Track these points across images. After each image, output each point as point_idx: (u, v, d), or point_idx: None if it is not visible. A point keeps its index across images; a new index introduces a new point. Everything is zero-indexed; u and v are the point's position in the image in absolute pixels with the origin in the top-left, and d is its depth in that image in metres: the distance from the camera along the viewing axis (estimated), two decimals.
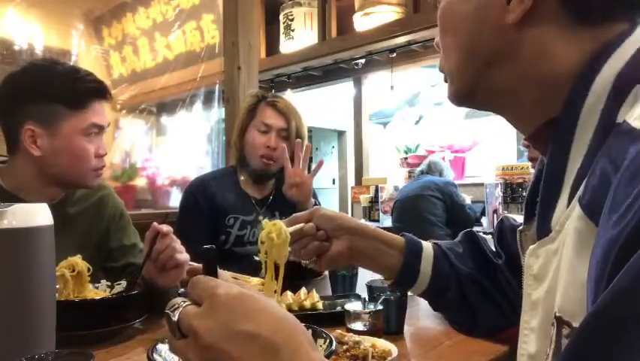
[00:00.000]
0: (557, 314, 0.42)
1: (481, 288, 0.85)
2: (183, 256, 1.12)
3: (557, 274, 0.44)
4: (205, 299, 0.43)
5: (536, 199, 0.54)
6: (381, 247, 0.87)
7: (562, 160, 0.46)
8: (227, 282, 0.45)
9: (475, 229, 3.21)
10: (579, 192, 0.42)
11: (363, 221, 4.21)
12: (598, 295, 0.34)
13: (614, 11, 0.48)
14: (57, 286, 0.92)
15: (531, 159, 1.38)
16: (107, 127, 1.18)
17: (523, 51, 0.50)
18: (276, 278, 0.79)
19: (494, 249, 0.91)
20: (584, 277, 0.38)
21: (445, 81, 0.61)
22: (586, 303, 0.37)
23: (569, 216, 0.43)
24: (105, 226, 1.29)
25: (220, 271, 0.49)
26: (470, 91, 0.57)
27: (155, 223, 1.10)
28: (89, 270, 0.97)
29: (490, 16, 0.51)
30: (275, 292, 0.78)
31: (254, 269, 1.39)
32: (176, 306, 0.43)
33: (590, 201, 0.40)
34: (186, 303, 0.44)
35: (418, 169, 3.60)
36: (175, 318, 0.43)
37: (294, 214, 0.90)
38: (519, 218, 0.86)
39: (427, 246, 0.88)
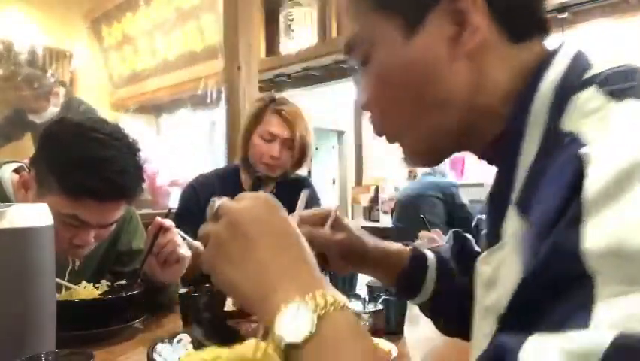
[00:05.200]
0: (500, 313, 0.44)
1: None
2: (185, 250, 1.12)
3: (505, 281, 0.45)
4: (248, 196, 0.50)
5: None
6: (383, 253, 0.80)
7: (509, 172, 0.48)
8: None
9: None
10: (515, 196, 0.45)
11: (362, 222, 4.22)
12: None
13: (537, 30, 0.51)
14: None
15: None
16: (104, 224, 1.05)
17: (472, 81, 0.50)
18: None
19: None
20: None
21: (390, 143, 0.58)
22: None
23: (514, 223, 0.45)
24: (116, 230, 1.28)
25: None
26: (430, 144, 0.55)
27: (157, 218, 1.10)
28: None
29: (439, 55, 0.50)
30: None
31: None
32: (219, 199, 0.50)
33: (523, 203, 0.43)
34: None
35: (422, 172, 3.60)
36: (217, 204, 0.49)
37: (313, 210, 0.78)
38: None
39: (432, 258, 0.82)
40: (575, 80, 0.45)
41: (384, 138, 0.59)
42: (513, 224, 0.44)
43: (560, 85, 0.46)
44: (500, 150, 0.50)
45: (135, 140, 1.06)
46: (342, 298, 0.41)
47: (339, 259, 0.76)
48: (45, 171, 0.99)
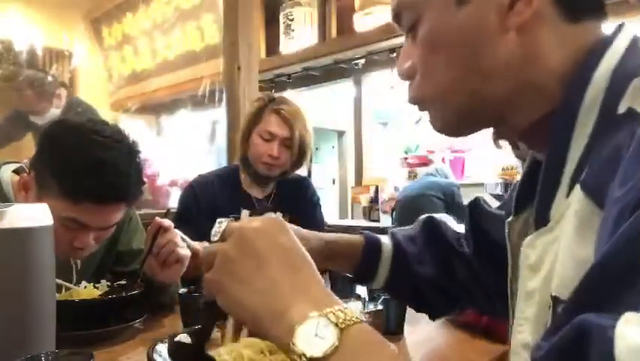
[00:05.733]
0: (553, 294, 0.43)
1: (438, 287, 0.82)
2: (184, 251, 1.12)
3: (554, 262, 0.45)
4: (256, 218, 0.50)
5: (527, 193, 0.56)
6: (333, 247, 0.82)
7: (561, 153, 0.47)
8: None
9: None
10: (582, 177, 0.43)
11: (363, 221, 4.22)
12: None
13: (593, 11, 0.51)
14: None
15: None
16: (104, 227, 1.04)
17: (520, 55, 0.50)
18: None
19: (464, 233, 0.85)
20: (585, 256, 0.39)
21: (422, 110, 0.58)
22: None
23: (569, 205, 0.44)
24: (115, 231, 1.28)
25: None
26: (465, 112, 0.54)
27: (157, 218, 1.10)
28: None
29: (490, 24, 0.50)
30: None
31: None
32: (226, 219, 0.51)
33: (594, 184, 0.41)
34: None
35: (425, 172, 3.60)
36: (224, 224, 0.49)
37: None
38: (492, 201, 0.85)
39: (387, 248, 0.84)
40: (634, 65, 0.45)
41: (416, 106, 0.59)
42: (574, 206, 0.43)
43: (617, 69, 0.46)
44: (550, 132, 0.49)
45: (135, 142, 1.06)
46: (357, 312, 0.42)
47: None
48: (45, 173, 0.99)
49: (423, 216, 0.89)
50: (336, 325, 0.39)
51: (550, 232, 0.47)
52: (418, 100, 0.58)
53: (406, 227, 0.90)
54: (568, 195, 0.45)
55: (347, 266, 0.84)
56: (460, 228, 0.86)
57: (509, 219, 0.61)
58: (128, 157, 1.02)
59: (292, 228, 0.76)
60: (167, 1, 2.57)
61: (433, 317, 0.87)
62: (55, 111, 2.13)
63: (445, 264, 0.83)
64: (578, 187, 0.43)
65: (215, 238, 0.49)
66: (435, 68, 0.54)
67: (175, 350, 0.55)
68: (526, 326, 0.49)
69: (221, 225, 0.49)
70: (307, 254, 0.48)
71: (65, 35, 2.22)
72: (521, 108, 0.53)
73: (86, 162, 0.96)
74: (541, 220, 0.49)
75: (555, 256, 0.45)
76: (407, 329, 0.97)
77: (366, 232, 0.86)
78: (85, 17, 2.32)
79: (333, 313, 0.40)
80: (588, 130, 0.45)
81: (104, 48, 2.42)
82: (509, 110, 0.53)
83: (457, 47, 0.52)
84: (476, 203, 0.82)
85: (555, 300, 0.43)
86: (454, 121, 0.56)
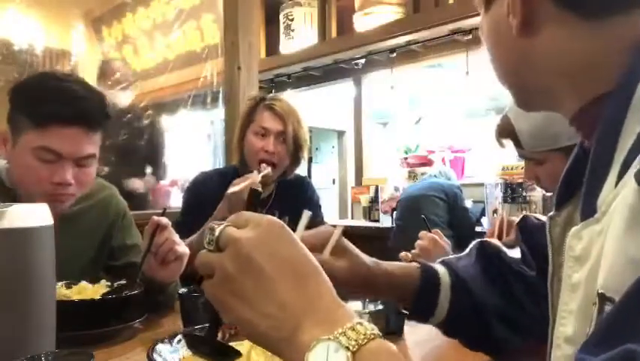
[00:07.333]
0: (600, 291, 0.41)
1: (504, 317, 0.78)
2: (183, 248, 1.13)
3: (600, 255, 0.43)
4: (252, 221, 0.46)
5: (572, 184, 0.56)
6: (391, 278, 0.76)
7: (612, 139, 0.45)
8: None
9: (476, 230, 3.22)
10: (635, 168, 0.41)
11: (362, 222, 4.21)
12: None
13: (614, 5, 0.49)
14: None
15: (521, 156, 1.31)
16: (76, 156, 1.07)
17: (539, 54, 0.52)
18: None
19: (521, 257, 0.82)
20: (638, 254, 0.37)
21: None
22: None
23: (617, 194, 0.42)
24: (109, 226, 1.29)
25: None
26: (518, 95, 0.60)
27: (154, 217, 1.10)
28: None
29: (502, 30, 0.54)
30: None
31: None
32: (219, 224, 0.47)
33: None
34: (229, 225, 0.47)
35: (428, 174, 3.60)
36: (217, 230, 0.46)
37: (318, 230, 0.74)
38: (540, 217, 0.82)
39: (444, 275, 0.79)
40: None
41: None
42: (626, 197, 0.40)
43: None
44: (604, 113, 0.48)
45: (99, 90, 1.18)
46: (369, 326, 0.40)
47: (342, 286, 0.68)
48: (16, 114, 1.06)
49: (475, 241, 0.85)
50: (348, 348, 0.38)
51: (597, 223, 0.44)
52: None
53: (459, 255, 0.85)
54: (617, 184, 0.43)
55: (403, 299, 0.78)
56: (514, 253, 0.83)
57: (550, 213, 0.59)
58: (86, 85, 1.12)
59: (354, 253, 0.72)
60: (167, 1, 2.57)
61: (496, 354, 0.81)
62: None
63: (508, 289, 0.79)
64: (632, 178, 0.40)
65: (211, 248, 0.47)
66: (489, 61, 0.61)
67: (191, 341, 0.54)
68: (570, 318, 0.48)
69: (213, 231, 0.46)
70: (312, 259, 0.45)
71: (65, 35, 2.21)
72: (561, 96, 0.54)
73: (46, 89, 1.06)
74: (588, 210, 0.47)
75: (601, 249, 0.43)
76: (407, 329, 0.97)
77: (421, 260, 0.82)
78: (85, 17, 2.32)
79: (344, 335, 0.38)
80: None
81: (104, 48, 2.42)
82: (555, 99, 0.56)
83: (490, 46, 0.58)
84: (525, 220, 0.80)
85: (601, 297, 0.41)
86: (516, 101, 0.62)
